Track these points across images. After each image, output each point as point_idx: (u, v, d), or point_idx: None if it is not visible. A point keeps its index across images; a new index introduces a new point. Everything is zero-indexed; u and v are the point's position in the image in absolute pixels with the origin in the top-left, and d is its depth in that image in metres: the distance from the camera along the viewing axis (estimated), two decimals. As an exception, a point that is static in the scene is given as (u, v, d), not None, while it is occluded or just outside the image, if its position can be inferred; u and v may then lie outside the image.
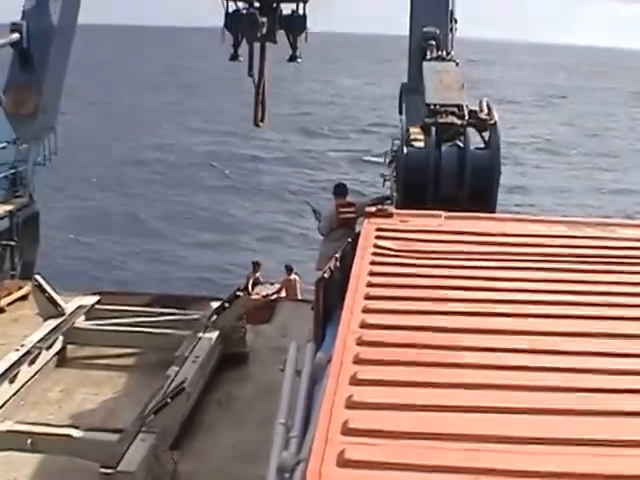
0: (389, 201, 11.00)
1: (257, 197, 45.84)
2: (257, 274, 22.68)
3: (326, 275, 6.73)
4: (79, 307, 12.64)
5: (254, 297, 19.47)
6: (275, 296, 19.87)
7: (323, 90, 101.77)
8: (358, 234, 6.64)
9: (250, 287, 21.36)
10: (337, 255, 7.01)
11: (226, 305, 12.09)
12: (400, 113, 14.45)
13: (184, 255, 34.56)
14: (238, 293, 12.52)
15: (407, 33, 15.52)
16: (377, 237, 6.38)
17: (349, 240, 7.15)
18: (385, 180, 13.81)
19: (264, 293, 20.97)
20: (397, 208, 7.69)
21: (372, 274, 5.55)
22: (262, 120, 19.43)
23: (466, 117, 10.25)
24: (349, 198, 13.10)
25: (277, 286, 21.38)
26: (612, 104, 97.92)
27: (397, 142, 11.48)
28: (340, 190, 13.12)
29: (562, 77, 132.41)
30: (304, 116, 78.18)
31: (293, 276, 21.88)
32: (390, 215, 7.06)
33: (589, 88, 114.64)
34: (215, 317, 11.99)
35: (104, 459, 8.18)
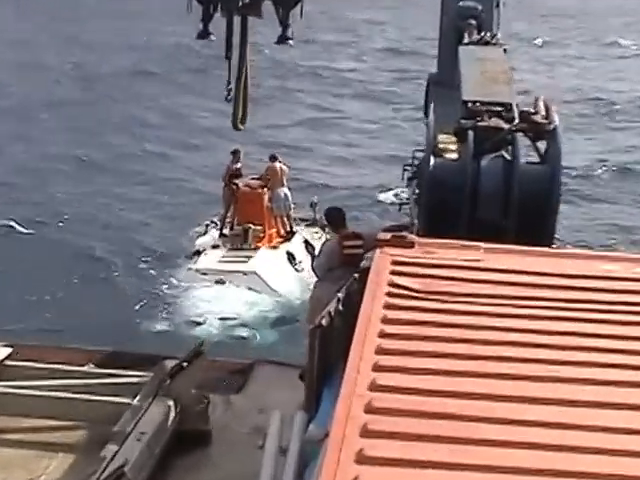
0: (408, 230, 10.93)
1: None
2: (238, 164, 24.26)
3: (324, 322, 6.71)
4: (-16, 363, 12.62)
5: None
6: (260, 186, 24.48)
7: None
8: (368, 269, 6.63)
9: (228, 179, 24.76)
10: (339, 296, 7.00)
11: (184, 365, 11.96)
12: (425, 114, 14.39)
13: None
14: (200, 349, 12.42)
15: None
16: (393, 272, 6.40)
17: (355, 276, 7.16)
18: (402, 204, 13.81)
19: (245, 183, 24.87)
20: (420, 237, 7.62)
21: (385, 321, 5.60)
22: (243, 122, 19.49)
23: (516, 120, 10.25)
24: (353, 228, 12.34)
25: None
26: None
27: (420, 153, 11.51)
28: (336, 216, 12.34)
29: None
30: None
31: (278, 164, 23.64)
32: (411, 245, 7.02)
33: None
34: (169, 381, 11.92)
35: None
